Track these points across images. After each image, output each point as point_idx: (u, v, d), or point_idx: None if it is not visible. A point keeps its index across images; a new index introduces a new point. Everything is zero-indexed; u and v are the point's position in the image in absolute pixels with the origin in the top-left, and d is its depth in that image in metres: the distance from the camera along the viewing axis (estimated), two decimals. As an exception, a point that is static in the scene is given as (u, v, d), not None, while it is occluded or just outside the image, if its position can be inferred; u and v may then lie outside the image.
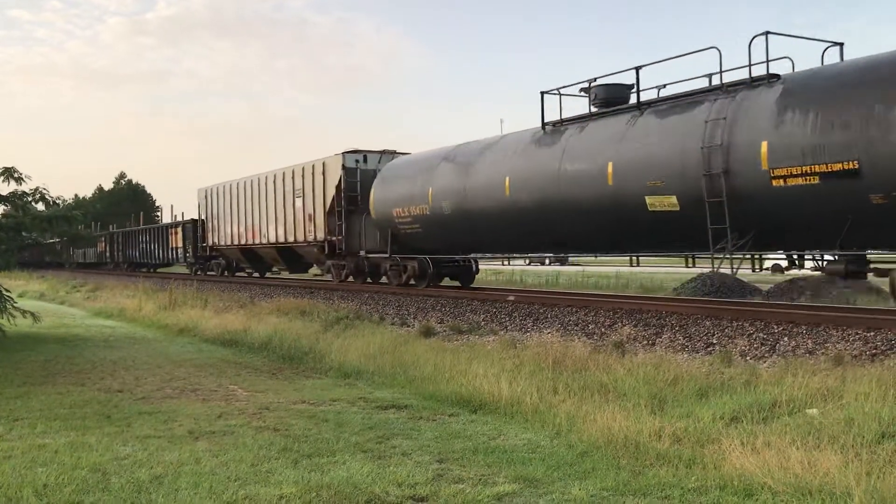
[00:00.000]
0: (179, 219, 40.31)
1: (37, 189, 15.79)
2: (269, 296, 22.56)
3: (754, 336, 10.72)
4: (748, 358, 9.69)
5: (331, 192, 23.00)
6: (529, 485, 5.29)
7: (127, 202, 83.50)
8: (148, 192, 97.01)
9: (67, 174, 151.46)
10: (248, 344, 14.14)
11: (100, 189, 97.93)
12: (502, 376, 8.72)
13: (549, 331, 12.78)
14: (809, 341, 10.04)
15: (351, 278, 23.39)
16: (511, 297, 16.70)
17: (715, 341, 10.78)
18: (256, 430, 7.05)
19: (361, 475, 5.49)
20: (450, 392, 8.71)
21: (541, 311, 14.73)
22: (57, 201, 16.58)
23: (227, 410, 8.06)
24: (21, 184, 15.28)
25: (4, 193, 15.56)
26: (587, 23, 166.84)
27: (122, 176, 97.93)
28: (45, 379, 10.23)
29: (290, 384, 10.17)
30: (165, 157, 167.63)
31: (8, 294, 15.29)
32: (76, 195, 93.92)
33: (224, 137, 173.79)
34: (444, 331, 13.77)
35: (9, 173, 14.93)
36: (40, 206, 16.31)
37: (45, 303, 26.90)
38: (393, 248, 20.50)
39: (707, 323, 11.92)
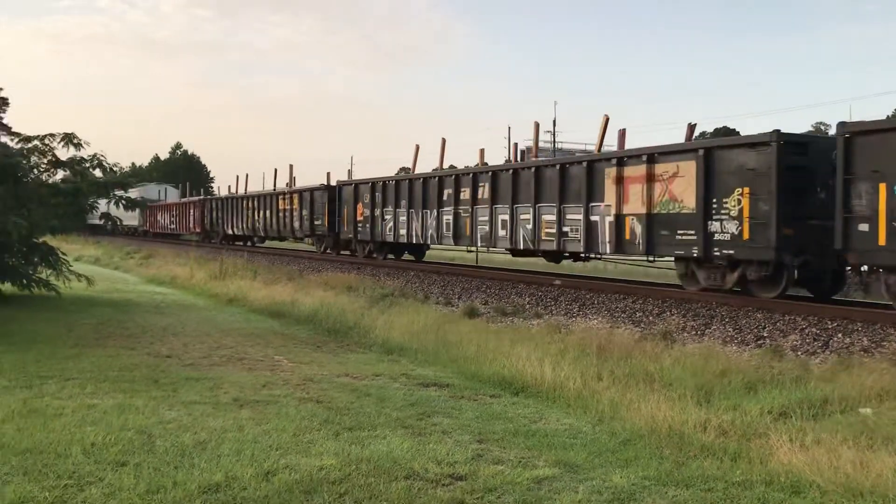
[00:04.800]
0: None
1: (94, 155, 16.10)
2: (317, 270, 22.76)
3: (807, 331, 10.47)
4: (800, 353, 9.45)
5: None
6: (570, 470, 5.23)
7: (182, 172, 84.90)
8: (202, 162, 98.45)
9: (125, 142, 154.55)
10: (295, 316, 14.28)
11: (156, 158, 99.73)
12: (546, 360, 8.64)
13: (595, 317, 12.66)
14: (865, 339, 9.76)
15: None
16: (557, 282, 16.57)
17: (766, 335, 10.56)
18: (299, 401, 7.10)
19: (401, 451, 5.49)
20: (492, 373, 8.67)
21: (587, 296, 14.58)
22: (114, 168, 16.88)
23: (271, 380, 8.14)
24: (80, 150, 15.59)
25: (64, 159, 15.89)
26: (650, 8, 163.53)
27: (178, 146, 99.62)
28: (96, 341, 10.46)
29: (335, 357, 10.25)
30: (218, 128, 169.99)
31: (64, 257, 15.67)
32: (133, 163, 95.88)
33: (276, 111, 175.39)
34: (489, 312, 13.73)
35: (69, 139, 15.23)
36: (98, 173, 16.63)
37: (100, 268, 27.54)
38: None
39: (758, 315, 11.67)
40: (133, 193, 19.45)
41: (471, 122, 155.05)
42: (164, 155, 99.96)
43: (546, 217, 17.32)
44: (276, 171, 37.93)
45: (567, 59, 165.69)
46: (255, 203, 36.39)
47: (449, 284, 17.97)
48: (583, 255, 17.16)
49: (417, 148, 24.91)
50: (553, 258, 18.55)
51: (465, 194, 20.35)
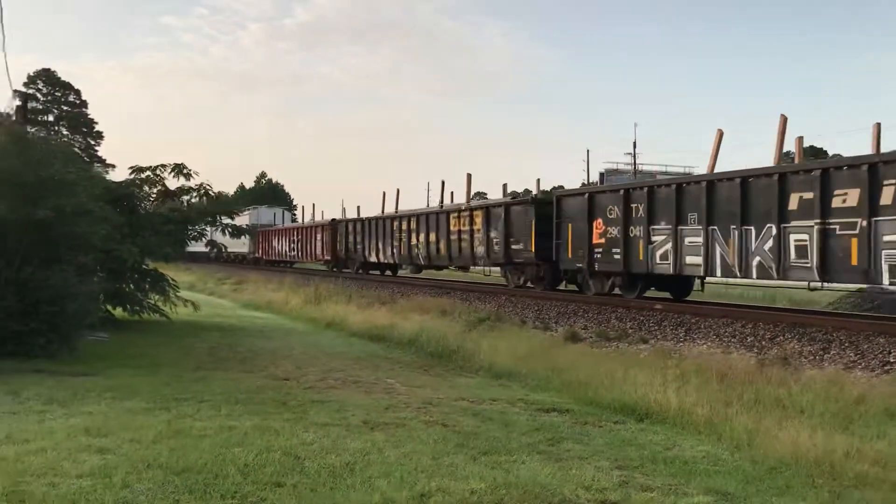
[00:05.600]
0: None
1: (202, 185, 16.69)
2: (407, 294, 22.95)
3: (939, 356, 10.00)
4: (935, 380, 9.03)
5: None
6: (724, 498, 5.09)
7: (266, 199, 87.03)
8: (286, 190, 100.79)
9: (210, 172, 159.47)
10: (396, 340, 14.44)
11: (241, 187, 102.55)
12: (668, 386, 8.49)
13: (703, 342, 12.39)
14: None
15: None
16: (658, 306, 16.28)
17: (892, 360, 10.13)
18: (426, 424, 7.13)
19: (545, 476, 5.44)
20: (611, 399, 8.55)
21: (693, 321, 14.28)
22: (219, 196, 17.46)
23: (392, 403, 8.20)
24: (189, 179, 16.19)
25: (173, 188, 16.51)
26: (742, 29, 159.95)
27: (263, 175, 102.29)
28: (215, 365, 10.75)
29: (444, 381, 10.28)
30: (299, 158, 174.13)
31: (174, 283, 16.22)
32: (220, 192, 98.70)
33: (354, 139, 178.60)
34: (591, 337, 13.59)
35: (179, 169, 15.86)
36: (202, 201, 17.21)
37: (196, 293, 28.28)
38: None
39: (880, 340, 11.23)
40: (244, 217, 20.04)
41: (543, 146, 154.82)
42: (248, 184, 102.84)
43: None
44: (443, 182, 32.73)
45: (642, 83, 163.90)
46: (414, 224, 29.75)
47: (544, 309, 17.86)
48: None
49: (720, 134, 18.11)
50: None
51: (846, 199, 13.28)
